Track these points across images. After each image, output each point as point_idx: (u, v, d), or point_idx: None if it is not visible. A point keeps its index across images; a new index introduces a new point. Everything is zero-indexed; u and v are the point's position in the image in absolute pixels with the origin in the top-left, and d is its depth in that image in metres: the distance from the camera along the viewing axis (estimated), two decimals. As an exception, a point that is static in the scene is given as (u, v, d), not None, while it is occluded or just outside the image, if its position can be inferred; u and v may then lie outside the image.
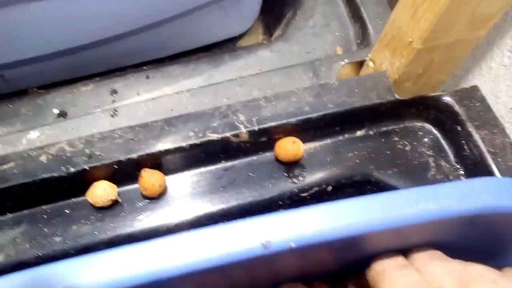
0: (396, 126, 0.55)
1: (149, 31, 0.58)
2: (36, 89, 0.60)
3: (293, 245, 0.30)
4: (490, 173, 0.50)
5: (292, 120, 0.50)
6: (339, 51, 0.61)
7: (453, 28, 0.47)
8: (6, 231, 0.47)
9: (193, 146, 0.48)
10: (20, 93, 0.58)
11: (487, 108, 0.53)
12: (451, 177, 0.53)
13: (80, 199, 0.49)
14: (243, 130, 0.49)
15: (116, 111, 0.52)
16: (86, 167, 0.46)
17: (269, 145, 0.51)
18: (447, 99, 0.53)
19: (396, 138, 0.55)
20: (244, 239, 0.31)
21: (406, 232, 0.32)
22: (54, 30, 0.51)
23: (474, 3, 0.44)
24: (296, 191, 0.51)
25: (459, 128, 0.53)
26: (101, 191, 0.46)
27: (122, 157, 0.46)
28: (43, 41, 0.52)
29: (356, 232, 0.30)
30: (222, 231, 0.32)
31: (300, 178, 0.52)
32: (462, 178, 0.53)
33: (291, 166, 0.52)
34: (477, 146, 0.51)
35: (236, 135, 0.49)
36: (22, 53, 0.53)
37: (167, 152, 0.47)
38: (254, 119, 0.49)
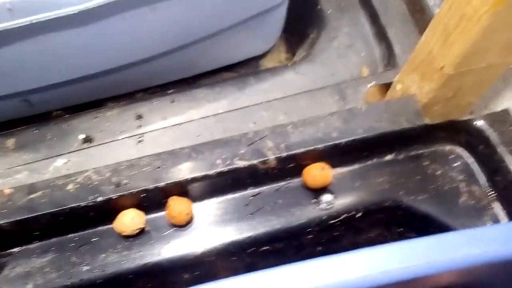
0: (426, 150, 0.54)
1: (176, 53, 0.58)
2: (61, 111, 0.60)
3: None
4: (524, 199, 0.49)
5: (320, 146, 0.49)
6: (365, 72, 0.61)
7: (486, 54, 0.46)
8: (34, 259, 0.47)
9: (220, 174, 0.47)
10: (45, 117, 0.58)
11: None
12: (483, 203, 0.52)
13: (107, 227, 0.48)
14: (271, 157, 0.48)
15: (142, 137, 0.51)
16: (113, 196, 0.46)
17: (297, 171, 0.51)
18: (479, 123, 0.52)
19: (426, 163, 0.53)
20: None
21: (448, 275, 0.31)
22: (82, 57, 0.51)
23: (509, 30, 0.43)
24: (325, 217, 0.50)
25: (491, 152, 0.52)
26: (129, 220, 0.46)
27: (150, 186, 0.46)
28: (70, 67, 0.52)
29: (400, 278, 0.29)
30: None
31: (329, 204, 0.51)
32: (495, 204, 0.52)
33: (319, 192, 0.51)
34: (510, 172, 0.50)
35: (264, 162, 0.48)
36: (48, 79, 0.53)
37: (194, 180, 0.47)
38: (282, 146, 0.49)
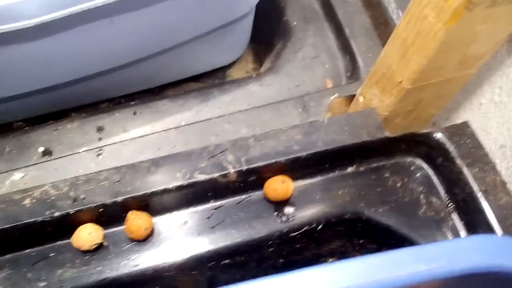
0: (386, 162, 0.55)
1: (139, 64, 0.57)
2: (22, 122, 0.59)
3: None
4: (481, 211, 0.50)
5: (281, 159, 0.49)
6: (329, 84, 0.61)
7: (443, 68, 0.47)
8: (-12, 276, 0.46)
9: (180, 188, 0.47)
10: (5, 128, 0.57)
11: (477, 145, 0.53)
12: (442, 214, 0.53)
13: (65, 242, 0.48)
14: (232, 170, 0.48)
15: (102, 150, 0.51)
16: (71, 211, 0.45)
17: (258, 184, 0.51)
18: (438, 135, 0.53)
19: (386, 174, 0.54)
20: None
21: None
22: (42, 69, 0.51)
23: (464, 46, 0.44)
24: (286, 230, 0.50)
25: (450, 165, 0.52)
26: (86, 235, 0.45)
27: (108, 201, 0.45)
28: (31, 79, 0.52)
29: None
30: None
31: (290, 217, 0.51)
32: (454, 215, 0.53)
33: (280, 205, 0.51)
34: (467, 184, 0.51)
35: (225, 176, 0.48)
36: (8, 90, 0.52)
37: (153, 194, 0.47)
38: (242, 159, 0.48)
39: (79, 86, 0.57)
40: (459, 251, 0.31)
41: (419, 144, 0.54)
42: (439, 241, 0.46)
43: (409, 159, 0.55)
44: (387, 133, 0.52)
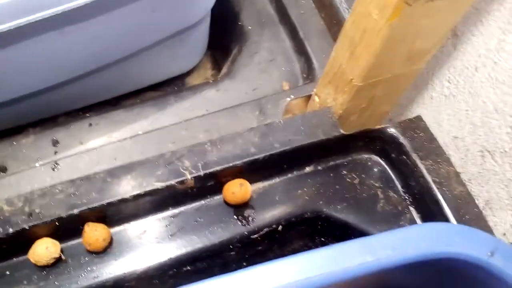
0: (344, 160, 0.55)
1: (93, 75, 0.57)
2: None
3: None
4: (436, 202, 0.51)
5: (238, 162, 0.49)
6: (286, 86, 0.62)
7: (391, 64, 0.48)
8: None
9: (137, 196, 0.47)
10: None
11: (431, 138, 0.54)
12: (399, 208, 0.54)
13: (21, 258, 0.47)
14: (189, 176, 0.48)
15: (58, 163, 0.50)
16: (26, 226, 0.44)
17: (217, 189, 0.51)
18: (392, 130, 0.54)
19: (344, 172, 0.55)
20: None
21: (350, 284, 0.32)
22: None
23: (409, 41, 0.45)
24: (246, 233, 0.50)
25: (404, 159, 0.54)
26: (43, 250, 0.45)
27: (63, 214, 0.45)
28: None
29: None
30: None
31: (250, 219, 0.51)
32: (411, 208, 0.54)
33: (240, 208, 0.51)
34: (422, 176, 0.52)
35: (182, 182, 0.48)
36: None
37: (110, 204, 0.46)
38: (199, 164, 0.49)
39: (34, 100, 0.56)
40: (404, 240, 0.31)
41: (374, 140, 0.55)
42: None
43: (365, 156, 0.56)
44: (343, 131, 0.53)
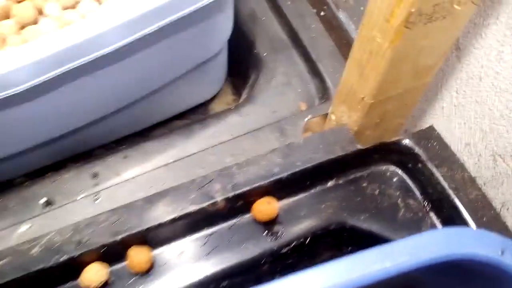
0: (363, 173, 0.59)
1: (123, 111, 0.62)
2: (22, 178, 0.64)
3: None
4: (454, 207, 0.54)
5: (264, 182, 0.53)
6: (303, 106, 0.66)
7: (399, 81, 0.51)
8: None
9: (173, 220, 0.51)
10: (7, 185, 0.61)
11: (444, 146, 0.57)
12: (420, 214, 0.56)
13: (73, 283, 0.51)
14: (219, 198, 0.52)
15: (99, 194, 0.55)
16: (76, 254, 0.49)
17: (246, 208, 0.55)
18: (406, 142, 0.57)
19: (364, 184, 0.58)
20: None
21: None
22: (37, 126, 0.55)
23: (414, 59, 0.48)
24: (276, 248, 0.54)
25: (421, 167, 0.57)
26: (93, 275, 0.49)
27: (108, 240, 0.49)
28: (28, 137, 0.56)
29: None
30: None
31: (279, 234, 0.55)
32: (431, 214, 0.56)
33: (269, 224, 0.55)
34: (439, 183, 0.55)
35: (214, 204, 0.52)
36: (7, 149, 0.56)
37: (150, 229, 0.50)
38: (228, 186, 0.53)
39: (72, 137, 0.61)
40: (419, 245, 0.35)
41: (390, 152, 0.58)
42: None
43: (383, 167, 0.59)
44: (360, 146, 0.56)
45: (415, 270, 0.36)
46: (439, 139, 0.58)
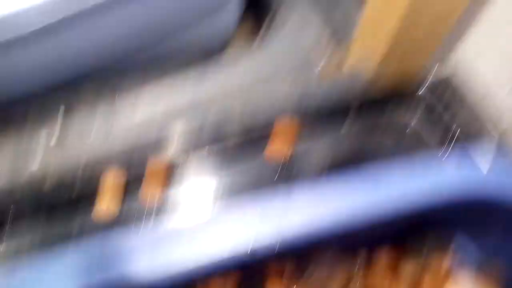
0: (380, 119, 0.58)
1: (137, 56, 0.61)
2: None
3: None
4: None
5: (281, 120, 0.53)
6: (320, 49, 0.64)
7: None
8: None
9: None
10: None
11: (463, 93, 0.56)
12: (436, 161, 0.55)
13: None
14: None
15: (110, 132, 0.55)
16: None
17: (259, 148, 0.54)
18: (423, 92, 0.56)
19: (379, 132, 0.57)
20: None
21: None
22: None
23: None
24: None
25: (438, 117, 0.56)
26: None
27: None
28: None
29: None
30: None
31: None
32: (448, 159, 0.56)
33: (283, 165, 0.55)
34: (456, 132, 0.54)
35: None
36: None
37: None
38: (244, 125, 0.52)
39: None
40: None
41: (407, 100, 0.57)
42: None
43: (399, 115, 0.58)
44: (375, 92, 0.56)
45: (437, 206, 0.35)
46: (457, 86, 0.57)
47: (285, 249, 0.34)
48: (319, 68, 0.61)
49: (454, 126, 0.54)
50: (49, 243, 0.49)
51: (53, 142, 0.56)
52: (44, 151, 0.55)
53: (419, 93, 0.56)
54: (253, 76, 0.61)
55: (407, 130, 0.58)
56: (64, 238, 0.49)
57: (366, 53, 0.55)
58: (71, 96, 0.62)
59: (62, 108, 0.58)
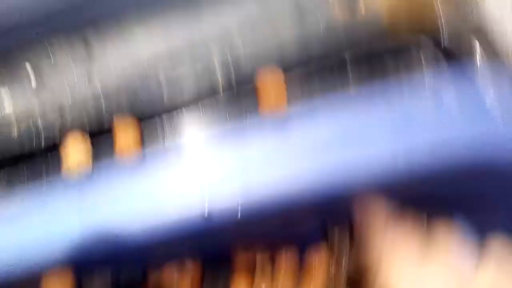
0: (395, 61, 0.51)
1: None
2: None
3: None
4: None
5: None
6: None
7: None
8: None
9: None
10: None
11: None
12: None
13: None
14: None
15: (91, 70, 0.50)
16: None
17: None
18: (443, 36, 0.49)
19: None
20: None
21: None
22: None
23: None
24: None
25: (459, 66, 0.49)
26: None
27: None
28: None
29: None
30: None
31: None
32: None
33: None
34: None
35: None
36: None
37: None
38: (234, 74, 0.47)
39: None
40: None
41: (425, 48, 0.50)
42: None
43: (417, 64, 0.51)
44: (391, 38, 0.49)
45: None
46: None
47: (250, 218, 0.28)
48: (330, 5, 0.54)
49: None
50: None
51: (33, 84, 0.52)
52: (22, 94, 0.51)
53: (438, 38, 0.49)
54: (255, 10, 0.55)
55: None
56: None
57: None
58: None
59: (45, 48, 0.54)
